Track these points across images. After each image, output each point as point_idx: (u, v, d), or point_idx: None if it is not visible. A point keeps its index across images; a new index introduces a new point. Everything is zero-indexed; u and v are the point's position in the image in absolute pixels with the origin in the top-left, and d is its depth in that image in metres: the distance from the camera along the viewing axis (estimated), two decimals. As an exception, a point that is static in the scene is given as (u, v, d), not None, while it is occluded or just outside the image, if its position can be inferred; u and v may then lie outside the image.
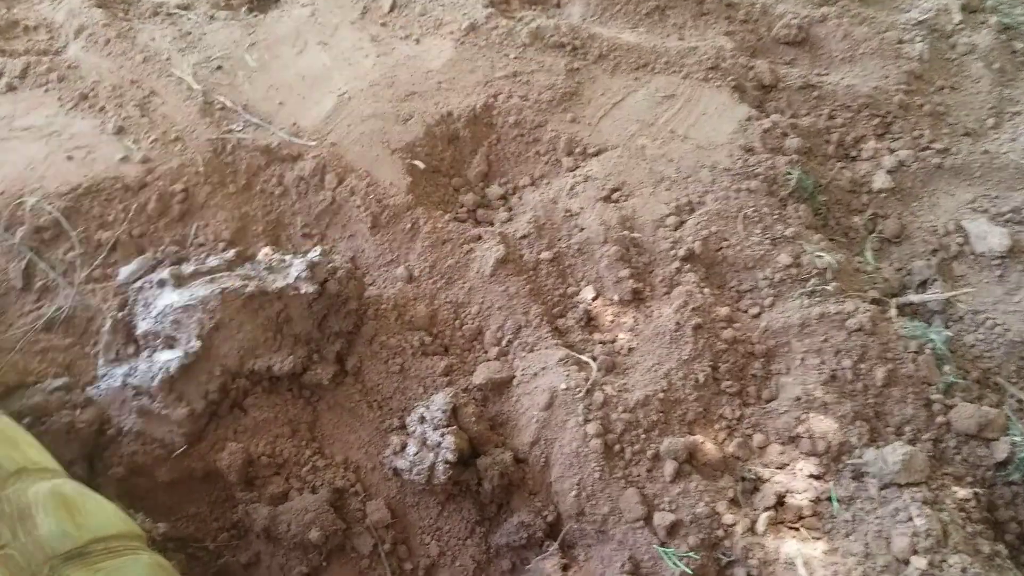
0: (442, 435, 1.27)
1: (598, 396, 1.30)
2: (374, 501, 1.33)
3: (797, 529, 1.26)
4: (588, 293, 1.47)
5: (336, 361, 1.37)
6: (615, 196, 1.54)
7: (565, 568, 1.27)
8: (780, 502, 1.27)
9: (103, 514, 1.03)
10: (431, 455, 1.27)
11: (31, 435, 1.11)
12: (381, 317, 1.40)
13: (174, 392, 1.28)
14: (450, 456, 1.25)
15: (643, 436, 1.29)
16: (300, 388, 1.37)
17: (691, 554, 1.19)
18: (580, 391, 1.30)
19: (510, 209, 1.58)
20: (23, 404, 1.29)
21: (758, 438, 1.33)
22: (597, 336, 1.43)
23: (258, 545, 1.30)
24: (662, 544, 1.22)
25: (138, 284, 1.32)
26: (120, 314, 1.31)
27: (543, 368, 1.36)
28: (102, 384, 1.30)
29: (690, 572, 1.19)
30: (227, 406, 1.33)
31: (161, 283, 1.31)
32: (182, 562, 1.26)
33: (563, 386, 1.32)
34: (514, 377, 1.38)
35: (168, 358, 1.28)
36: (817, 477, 1.29)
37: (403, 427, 1.35)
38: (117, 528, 1.03)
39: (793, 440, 1.32)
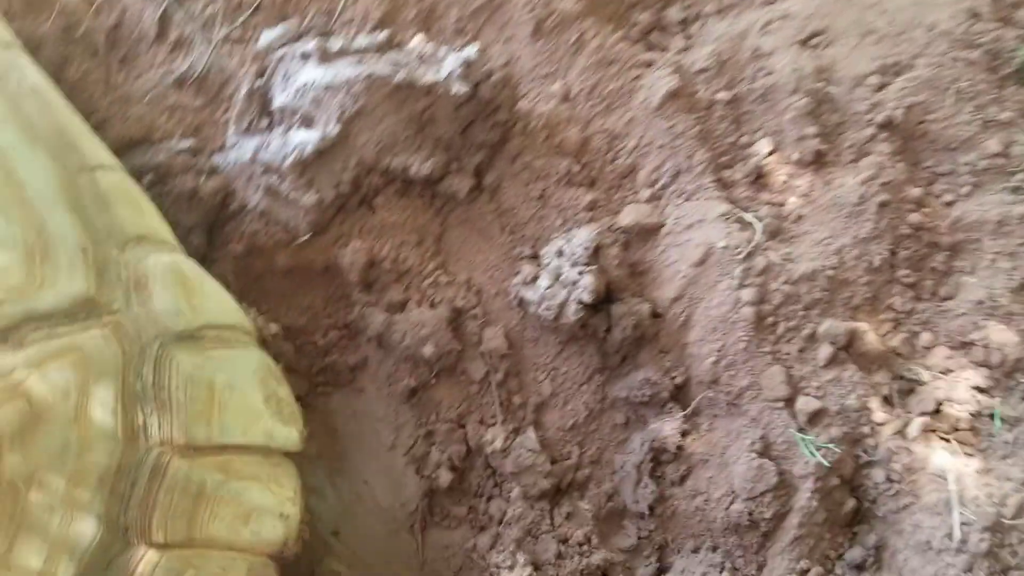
0: (580, 273, 1.24)
1: (759, 261, 1.25)
2: (493, 328, 1.33)
3: (948, 441, 1.22)
4: (763, 147, 1.38)
5: (474, 174, 1.34)
6: (814, 41, 1.42)
7: (684, 434, 1.26)
8: (936, 410, 1.22)
9: (219, 300, 1.04)
10: (564, 292, 1.25)
11: (152, 204, 1.11)
12: (529, 135, 1.35)
13: (305, 176, 1.27)
14: (586, 297, 1.22)
15: (801, 313, 1.24)
16: (432, 196, 1.35)
17: (830, 446, 1.17)
18: (740, 252, 1.25)
19: (689, 37, 1.48)
20: (146, 161, 1.30)
21: (925, 337, 1.27)
22: (765, 196, 1.36)
23: (368, 350, 1.33)
24: (800, 430, 1.19)
25: (279, 53, 1.29)
26: (257, 83, 1.29)
27: (699, 220, 1.30)
28: (231, 154, 1.30)
29: (826, 464, 1.16)
30: (356, 201, 1.32)
31: (304, 56, 1.27)
32: (290, 353, 1.29)
33: (721, 243, 1.26)
34: (664, 225, 1.33)
35: (303, 139, 1.26)
36: (983, 390, 1.24)
37: (535, 257, 1.33)
38: (231, 318, 1.05)
39: (964, 346, 1.26)
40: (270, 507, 0.94)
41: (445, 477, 1.27)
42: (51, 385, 0.81)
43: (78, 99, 1.28)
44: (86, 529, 0.81)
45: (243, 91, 1.33)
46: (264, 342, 1.22)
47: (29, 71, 1.06)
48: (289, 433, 0.98)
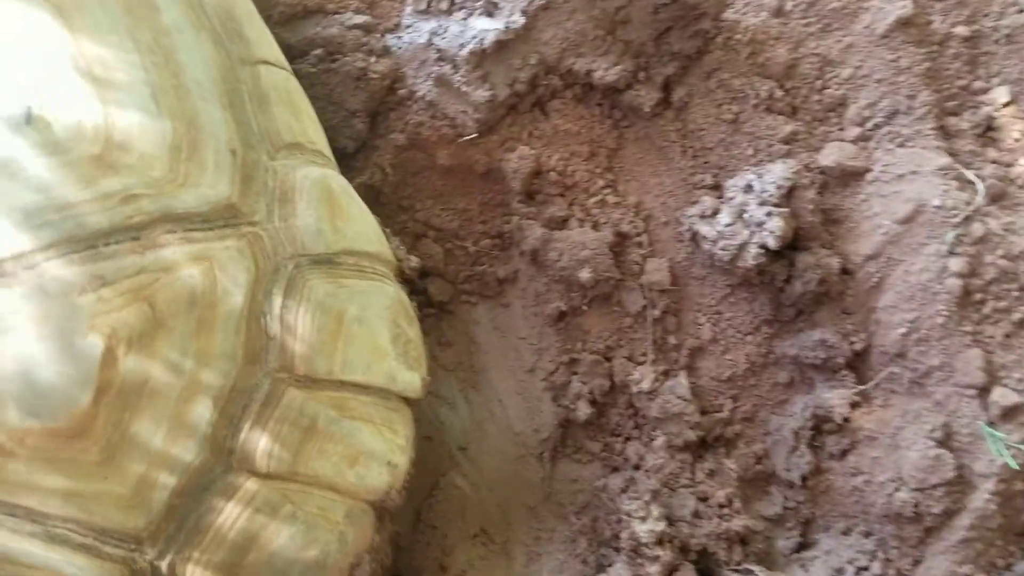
0: (768, 214, 1.18)
1: (976, 228, 1.15)
2: (657, 259, 1.29)
3: None
4: (1000, 95, 1.25)
5: (662, 88, 1.28)
6: (1086, -23, 1.26)
7: (854, 406, 1.20)
8: None
9: (363, 225, 1.03)
10: (746, 233, 1.19)
11: (311, 108, 1.08)
12: (730, 50, 1.26)
13: (480, 69, 1.24)
14: (771, 242, 1.16)
15: (1015, 294, 1.15)
16: (612, 107, 1.31)
17: (1023, 447, 1.09)
18: (955, 214, 1.15)
19: (933, -44, 1.33)
20: (317, 33, 1.29)
21: None
22: (992, 153, 1.24)
23: (520, 264, 1.31)
24: (990, 424, 1.11)
25: (470, -72, 1.23)
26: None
27: (912, 172, 1.21)
28: (405, 36, 1.27)
29: (1015, 465, 1.09)
30: (529, 103, 1.28)
31: (496, -66, 1.21)
32: (438, 256, 1.28)
33: (935, 202, 1.17)
34: (870, 170, 1.24)
35: (484, 27, 1.22)
36: None
37: (717, 188, 1.27)
38: (373, 246, 1.03)
39: None
40: (379, 452, 0.94)
41: (584, 410, 1.26)
42: (176, 294, 0.82)
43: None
44: (190, 447, 0.83)
45: (433, -29, 1.29)
46: (402, 275, 1.22)
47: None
48: (412, 378, 0.97)
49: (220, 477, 0.87)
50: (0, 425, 0.76)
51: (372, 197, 1.31)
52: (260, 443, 0.88)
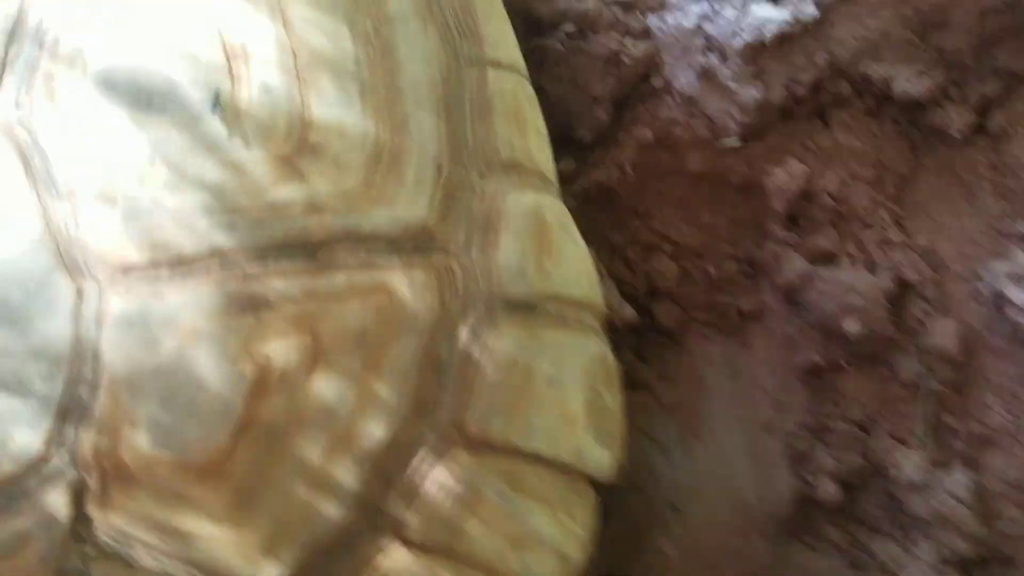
0: (1110, 278, 0.96)
1: None
2: (945, 320, 1.11)
3: None
4: None
5: (977, 110, 1.11)
6: None
7: None
8: None
9: (575, 267, 0.91)
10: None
11: (542, 122, 0.98)
12: (1075, 73, 1.06)
13: (755, 64, 1.11)
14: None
15: None
16: (910, 126, 1.16)
17: None
18: None
19: None
20: (571, 6, 1.22)
21: None
22: None
23: (770, 299, 1.17)
24: None
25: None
26: (729, -68, 1.12)
27: None
28: (669, 17, 1.17)
29: None
30: (808, 110, 1.15)
31: (800, -93, 1.07)
32: (671, 274, 1.16)
33: None
34: None
35: (767, 16, 1.10)
36: None
37: (1037, 242, 1.06)
38: (582, 292, 0.91)
39: None
40: (552, 540, 0.82)
41: (829, 490, 1.08)
42: (344, 329, 0.73)
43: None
44: (334, 504, 0.74)
45: (707, -60, 1.18)
46: (612, 327, 1.08)
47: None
48: (603, 457, 0.85)
49: (366, 539, 0.78)
50: (129, 447, 0.70)
51: (604, 198, 1.21)
52: (416, 508, 0.78)
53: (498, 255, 0.84)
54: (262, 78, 0.74)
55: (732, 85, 1.16)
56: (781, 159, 1.18)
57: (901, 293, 1.15)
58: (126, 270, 0.71)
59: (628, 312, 1.11)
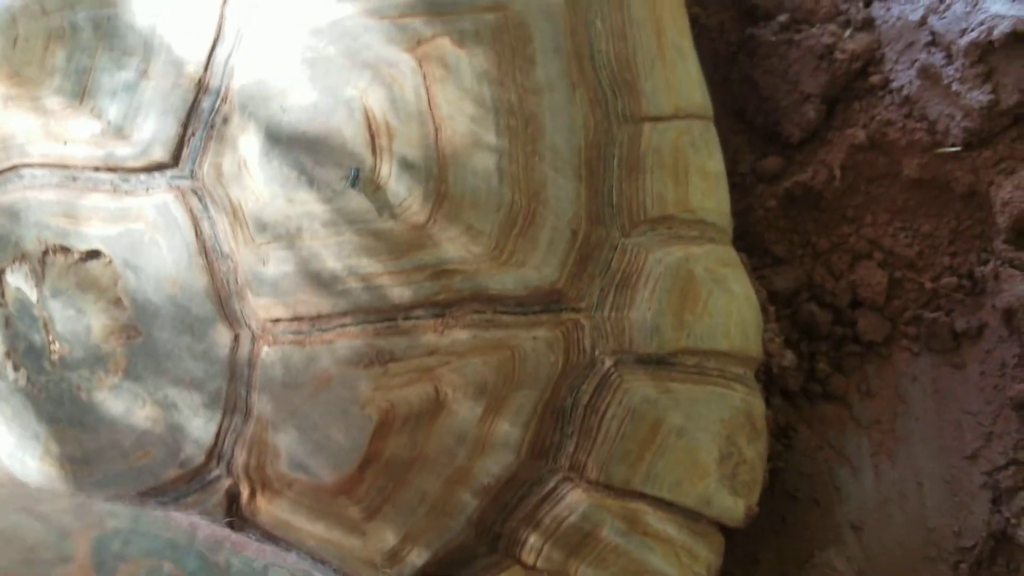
0: None
1: None
2: None
3: None
4: None
5: None
6: None
7: None
8: None
9: (724, 319, 0.94)
10: None
11: (718, 154, 0.99)
12: None
13: (983, 64, 1.09)
14: None
15: None
16: None
17: None
18: None
19: None
20: None
21: None
22: None
23: (989, 319, 1.16)
24: None
25: None
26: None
27: None
28: (895, 8, 1.16)
29: None
30: (1044, 116, 1.07)
31: None
32: (880, 283, 1.17)
33: None
34: None
35: (999, 11, 1.06)
36: None
37: None
38: (729, 343, 0.94)
39: None
40: None
41: (1030, 530, 1.08)
42: (465, 381, 0.84)
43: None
44: (452, 526, 0.86)
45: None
46: (768, 374, 1.13)
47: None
48: (733, 506, 0.90)
49: (482, 558, 0.91)
50: (272, 467, 0.87)
51: (809, 200, 1.23)
52: (531, 537, 0.90)
53: (632, 313, 0.92)
54: (403, 153, 0.84)
55: (957, 87, 1.13)
56: (1012, 169, 1.14)
57: None
58: (274, 322, 0.86)
59: (788, 359, 1.15)
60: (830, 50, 1.19)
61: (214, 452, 0.88)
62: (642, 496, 0.91)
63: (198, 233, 0.87)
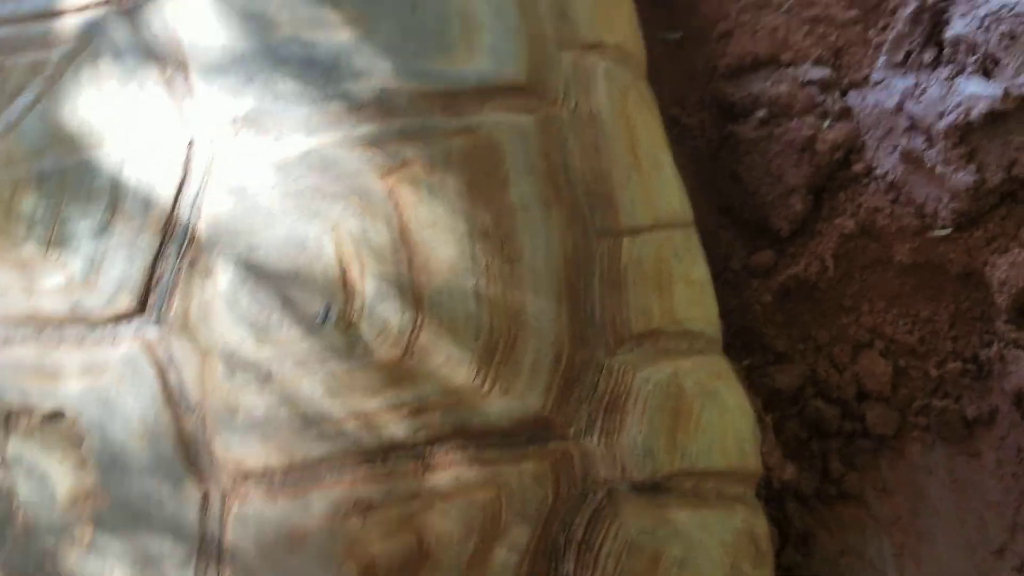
0: None
1: None
2: None
3: None
4: None
5: None
6: None
7: None
8: None
9: (719, 436, 0.92)
10: None
11: (703, 277, 0.99)
12: None
13: (965, 145, 1.09)
14: None
15: None
16: None
17: None
18: None
19: None
20: (763, 90, 1.26)
21: None
22: None
23: (1001, 404, 1.15)
24: None
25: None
26: None
27: None
28: (870, 95, 1.17)
29: None
30: (1031, 193, 1.07)
31: (1010, -33, 1.03)
32: (884, 375, 1.16)
33: None
34: None
35: (975, 92, 1.07)
36: None
37: None
38: (726, 461, 0.92)
39: None
40: None
41: (1070, 630, 1.03)
42: (451, 525, 0.81)
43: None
44: None
45: (911, 6, 1.16)
46: (770, 488, 1.11)
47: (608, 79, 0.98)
48: None
49: None
50: None
51: (805, 293, 1.23)
52: None
53: (622, 437, 0.89)
54: (376, 286, 0.82)
55: (941, 169, 1.14)
56: (1004, 247, 1.14)
57: None
58: (245, 477, 0.84)
59: (789, 472, 1.13)
60: (811, 142, 1.21)
61: None
62: None
63: (165, 385, 0.85)
